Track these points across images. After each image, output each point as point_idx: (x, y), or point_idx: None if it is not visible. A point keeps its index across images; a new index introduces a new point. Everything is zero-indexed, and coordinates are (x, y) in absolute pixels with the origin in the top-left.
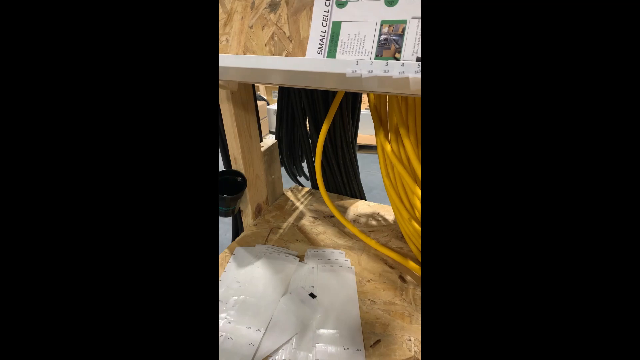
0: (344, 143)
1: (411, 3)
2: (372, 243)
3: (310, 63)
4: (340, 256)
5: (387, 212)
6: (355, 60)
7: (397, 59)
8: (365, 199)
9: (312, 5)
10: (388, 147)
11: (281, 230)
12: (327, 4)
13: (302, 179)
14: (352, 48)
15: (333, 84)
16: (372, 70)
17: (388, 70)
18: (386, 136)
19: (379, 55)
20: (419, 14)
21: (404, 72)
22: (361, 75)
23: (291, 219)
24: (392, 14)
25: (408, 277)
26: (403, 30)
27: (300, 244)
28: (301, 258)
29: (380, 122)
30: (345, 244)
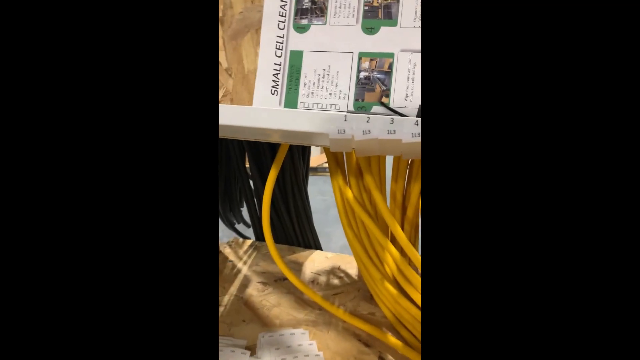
0: (295, 187)
1: (398, 33)
2: (340, 313)
3: (266, 117)
4: (303, 338)
5: (349, 264)
6: (344, 114)
7: (386, 106)
8: (321, 248)
9: (259, 27)
10: (349, 193)
11: (221, 308)
12: (282, 25)
13: (241, 226)
14: (320, 88)
15: (300, 141)
16: (369, 131)
17: (395, 131)
18: (345, 180)
19: (359, 100)
20: (411, 46)
21: (419, 135)
22: (353, 137)
23: (233, 289)
24: (373, 44)
25: (389, 357)
26: (390, 67)
27: (248, 327)
28: (252, 350)
29: (337, 162)
30: (306, 319)
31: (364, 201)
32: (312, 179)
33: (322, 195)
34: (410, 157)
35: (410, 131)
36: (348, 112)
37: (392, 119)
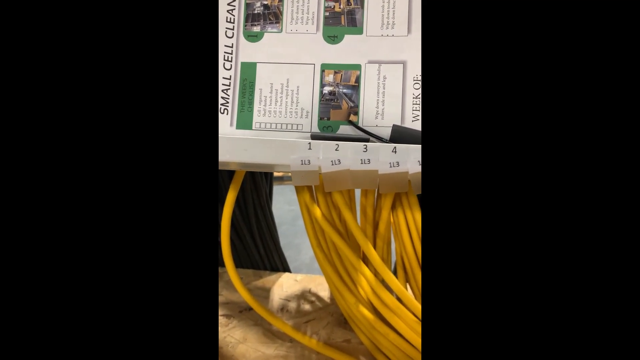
0: (258, 208)
1: (364, 42)
2: (313, 344)
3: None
4: None
5: (321, 285)
6: (307, 142)
7: (356, 125)
8: (290, 270)
9: None
10: (317, 211)
11: None
12: (230, 33)
13: None
14: (279, 106)
15: (261, 169)
16: (339, 161)
17: (369, 160)
18: (313, 196)
19: (324, 119)
20: (379, 56)
21: (398, 164)
22: (320, 168)
23: None
24: (337, 54)
25: None
26: (357, 80)
27: None
28: None
29: None
30: (277, 354)
31: (334, 219)
32: (278, 189)
33: (289, 205)
34: (389, 191)
35: (387, 160)
36: (312, 133)
37: (365, 145)
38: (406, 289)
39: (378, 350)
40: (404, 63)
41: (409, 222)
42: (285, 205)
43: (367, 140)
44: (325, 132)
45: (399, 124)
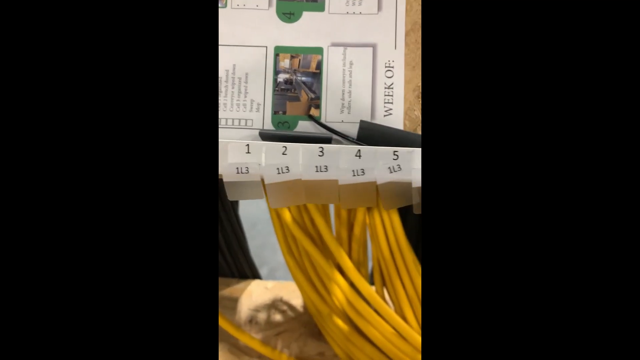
0: (222, 211)
1: (326, 20)
2: (283, 359)
3: None
4: None
5: (294, 293)
6: (245, 143)
7: (317, 121)
8: (260, 277)
9: None
10: (287, 215)
11: None
12: None
13: None
14: (224, 97)
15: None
16: (287, 168)
17: (326, 167)
18: None
19: (279, 112)
20: (345, 38)
21: (363, 172)
22: (262, 178)
23: None
24: (294, 35)
25: None
26: (319, 67)
27: None
28: None
29: None
30: None
31: (305, 223)
32: None
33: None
34: (352, 206)
35: (349, 167)
36: (261, 131)
37: (322, 148)
38: (383, 293)
39: None
40: (373, 46)
41: (386, 224)
42: (261, 203)
43: (329, 140)
44: (280, 130)
45: (368, 119)
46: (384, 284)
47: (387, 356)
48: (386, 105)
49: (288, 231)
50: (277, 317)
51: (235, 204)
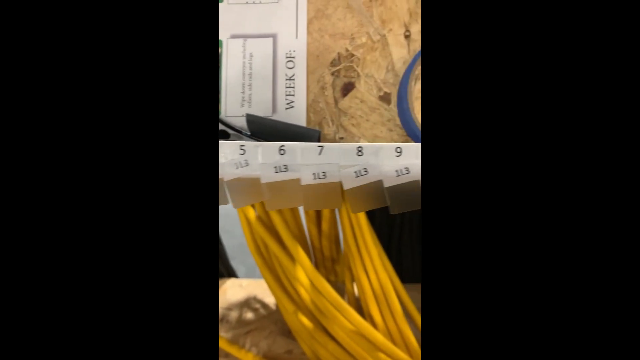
0: None
1: (225, 10)
2: (249, 358)
3: None
4: None
5: (268, 291)
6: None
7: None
8: (236, 275)
9: None
10: (251, 213)
11: None
12: None
13: None
14: None
15: None
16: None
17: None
18: None
19: None
20: (244, 29)
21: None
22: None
23: None
24: None
25: None
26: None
27: None
28: None
29: None
30: None
31: (270, 221)
32: None
33: None
34: (316, 207)
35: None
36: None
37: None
38: (353, 289)
39: None
40: (274, 37)
41: (352, 219)
42: None
43: (227, 136)
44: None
45: (270, 111)
46: (352, 279)
47: (350, 354)
48: (287, 97)
49: (254, 229)
50: (249, 315)
51: None
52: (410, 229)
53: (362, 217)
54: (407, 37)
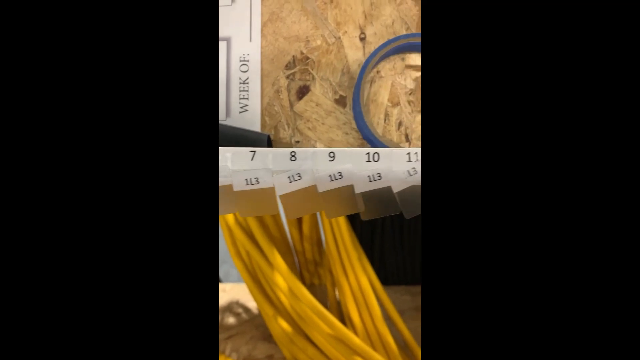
0: None
1: None
2: None
3: None
4: None
5: (250, 296)
6: None
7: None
8: (220, 280)
9: None
10: (231, 218)
11: None
12: None
13: None
14: None
15: None
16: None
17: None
18: None
19: None
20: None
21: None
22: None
23: None
24: None
25: None
26: None
27: None
28: None
29: None
30: None
31: (248, 226)
32: None
33: None
34: (295, 216)
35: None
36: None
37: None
38: (334, 293)
39: None
40: (227, 40)
41: (332, 222)
42: None
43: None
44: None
45: (223, 116)
46: (333, 283)
47: (328, 358)
48: (242, 101)
49: (234, 234)
50: (231, 320)
51: None
52: (393, 231)
53: (342, 220)
54: (362, 39)
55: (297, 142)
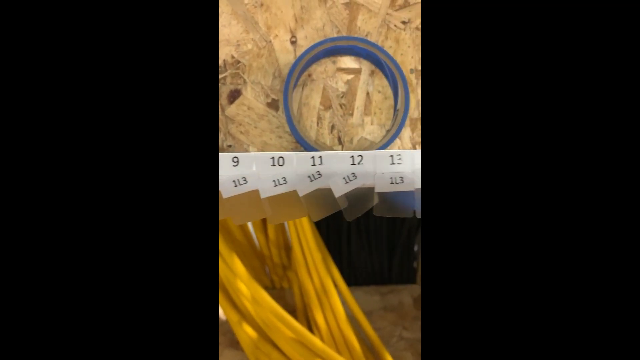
0: None
1: None
2: None
3: None
4: None
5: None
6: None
7: None
8: None
9: None
10: None
11: None
12: None
13: None
14: None
15: None
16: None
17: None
18: None
19: None
20: None
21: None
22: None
23: None
24: None
25: None
26: None
27: None
28: None
29: None
30: None
31: None
32: None
33: None
34: (279, 220)
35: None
36: None
37: (234, 157)
38: (300, 295)
39: None
40: None
41: (297, 225)
42: None
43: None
44: None
45: None
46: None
47: None
48: None
49: None
50: None
51: None
52: (359, 231)
53: (306, 222)
54: (293, 42)
55: (230, 146)
